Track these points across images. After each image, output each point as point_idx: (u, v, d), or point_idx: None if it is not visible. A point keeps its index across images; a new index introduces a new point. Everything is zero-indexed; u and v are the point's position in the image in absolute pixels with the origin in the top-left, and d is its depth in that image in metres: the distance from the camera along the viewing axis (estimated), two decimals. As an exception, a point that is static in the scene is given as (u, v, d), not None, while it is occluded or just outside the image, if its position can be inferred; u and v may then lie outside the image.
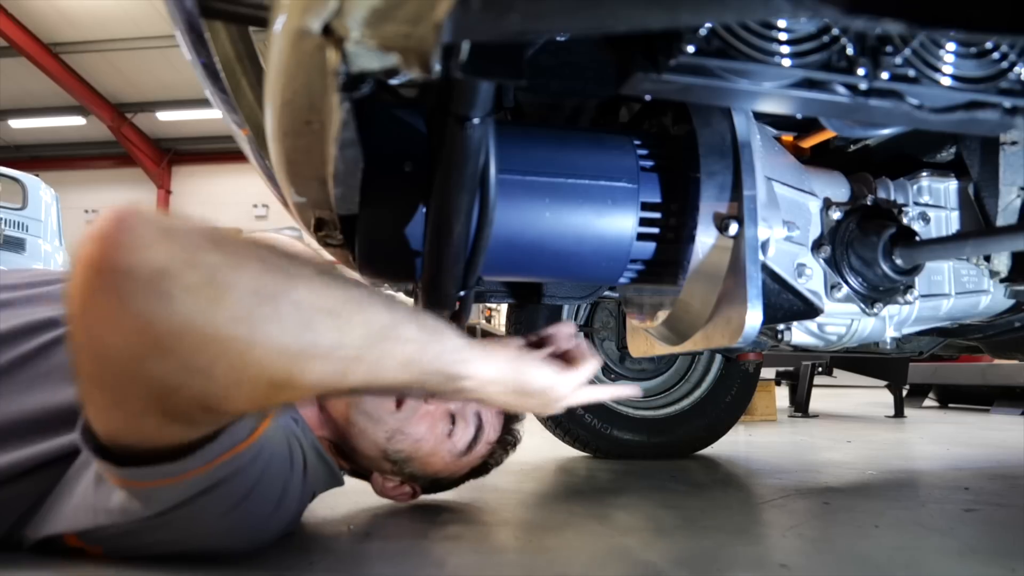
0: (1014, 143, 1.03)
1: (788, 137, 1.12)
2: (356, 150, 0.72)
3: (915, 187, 1.10)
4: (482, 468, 1.25)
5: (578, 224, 0.88)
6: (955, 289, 1.11)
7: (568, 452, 2.14)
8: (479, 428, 1.16)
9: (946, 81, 0.68)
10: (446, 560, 0.96)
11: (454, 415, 1.14)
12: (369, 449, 1.12)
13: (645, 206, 0.90)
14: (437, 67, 0.43)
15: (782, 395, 4.67)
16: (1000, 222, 1.06)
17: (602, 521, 1.20)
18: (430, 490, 1.26)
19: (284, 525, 0.95)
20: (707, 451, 2.21)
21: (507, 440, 1.24)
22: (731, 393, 2.16)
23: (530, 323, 2.04)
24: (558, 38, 0.78)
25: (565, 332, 0.92)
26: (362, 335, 0.60)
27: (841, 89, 0.68)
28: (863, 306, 1.02)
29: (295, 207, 0.89)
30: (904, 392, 4.42)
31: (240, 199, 13.92)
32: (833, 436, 2.93)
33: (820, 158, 1.15)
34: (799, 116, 1.02)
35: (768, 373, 4.91)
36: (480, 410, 1.17)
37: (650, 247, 0.92)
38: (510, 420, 1.24)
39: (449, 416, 1.13)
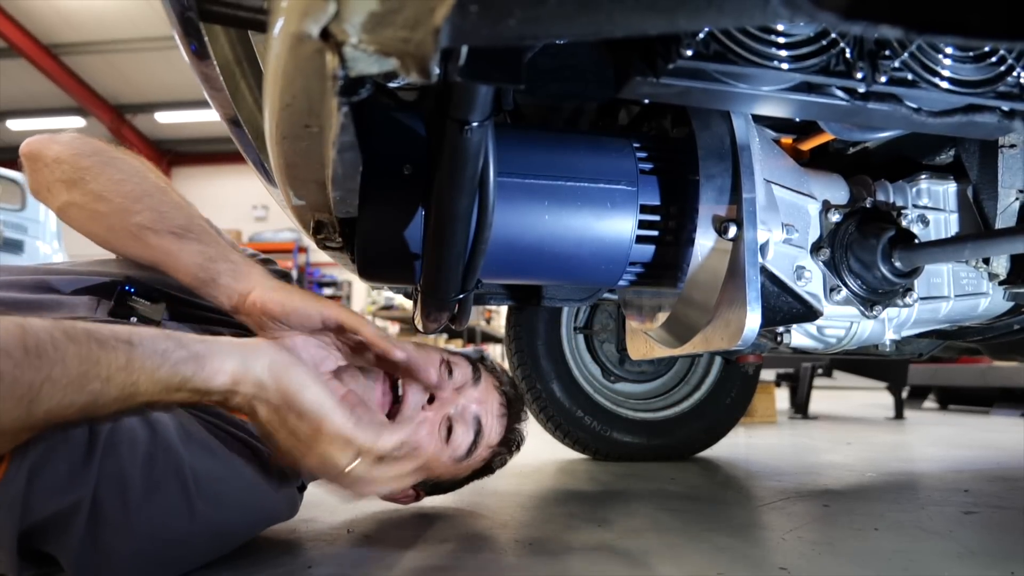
0: (1012, 146, 1.03)
1: (787, 140, 1.12)
2: (355, 153, 0.72)
3: (914, 190, 1.10)
4: (485, 469, 1.23)
5: (577, 227, 0.88)
6: (954, 292, 1.11)
7: (567, 454, 2.14)
8: (478, 432, 1.14)
9: (944, 85, 0.68)
10: (445, 563, 0.95)
11: (452, 420, 1.11)
12: None
13: (644, 208, 0.90)
14: (436, 71, 0.43)
15: (782, 397, 4.67)
16: (999, 225, 1.06)
17: (601, 523, 1.20)
18: (432, 492, 1.26)
19: (247, 499, 0.90)
20: (706, 453, 2.21)
21: (511, 441, 1.22)
22: (731, 395, 2.16)
23: (530, 326, 2.04)
24: (556, 42, 0.79)
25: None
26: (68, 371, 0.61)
27: (839, 93, 0.68)
28: (862, 308, 1.02)
29: (294, 210, 0.89)
30: (904, 394, 4.42)
31: (239, 200, 13.90)
32: (833, 438, 2.93)
33: (819, 160, 1.15)
34: (798, 119, 1.02)
35: (768, 375, 4.91)
36: (479, 414, 1.15)
37: (649, 250, 0.92)
38: (513, 421, 1.22)
39: (448, 421, 1.11)
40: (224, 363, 0.72)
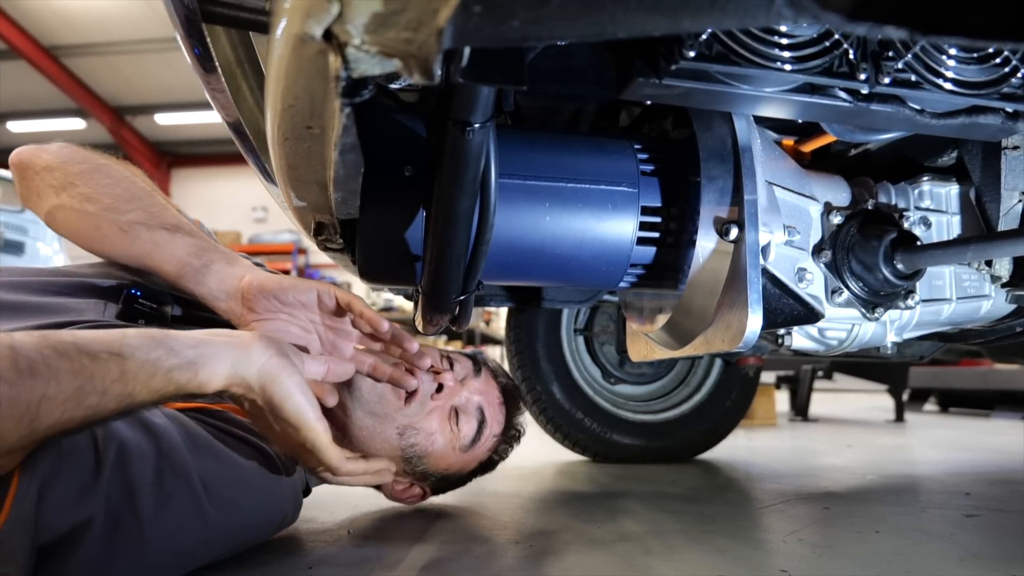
0: (1016, 148, 1.03)
1: (789, 141, 1.12)
2: (357, 155, 0.72)
3: (916, 191, 1.10)
4: (488, 464, 1.25)
5: (578, 228, 0.88)
6: (956, 294, 1.11)
7: (567, 456, 2.14)
8: (482, 421, 1.16)
9: (948, 86, 0.68)
10: (445, 565, 0.95)
11: (457, 409, 1.14)
12: (382, 449, 1.10)
13: (645, 210, 0.90)
14: (438, 72, 0.43)
15: (782, 399, 4.67)
16: (1002, 227, 1.06)
17: (601, 525, 1.20)
18: (438, 490, 1.26)
19: (256, 507, 0.90)
20: (707, 455, 2.21)
21: (511, 433, 1.25)
22: (731, 397, 2.16)
23: (530, 328, 2.03)
24: (558, 43, 0.78)
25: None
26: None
27: (842, 94, 0.68)
28: (864, 311, 1.01)
29: (295, 211, 0.89)
30: (905, 396, 4.42)
31: (239, 202, 13.89)
32: (833, 440, 2.93)
33: (821, 162, 1.15)
34: (800, 121, 1.02)
35: (768, 377, 4.90)
36: (482, 403, 1.17)
37: (650, 251, 0.92)
38: (512, 411, 1.25)
39: (453, 411, 1.14)
40: (216, 369, 0.73)
